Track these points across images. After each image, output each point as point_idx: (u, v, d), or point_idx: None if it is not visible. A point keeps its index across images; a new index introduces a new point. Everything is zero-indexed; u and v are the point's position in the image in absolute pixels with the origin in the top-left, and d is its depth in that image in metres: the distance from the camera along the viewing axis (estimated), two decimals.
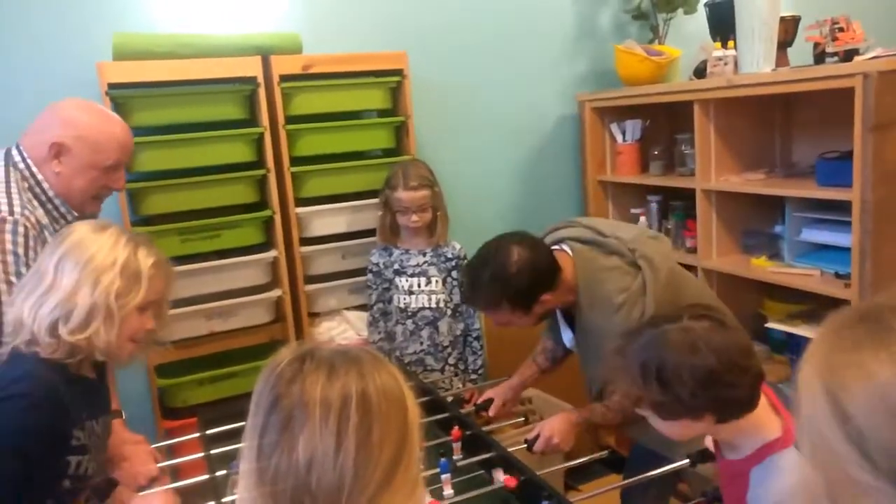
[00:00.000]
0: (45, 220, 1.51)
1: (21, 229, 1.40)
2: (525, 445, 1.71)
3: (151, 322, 1.32)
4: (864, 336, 0.60)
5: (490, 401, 1.94)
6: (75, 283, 1.19)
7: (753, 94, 2.07)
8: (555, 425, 1.71)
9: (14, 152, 1.53)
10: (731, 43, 2.24)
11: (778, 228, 2.24)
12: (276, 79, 2.12)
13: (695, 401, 1.08)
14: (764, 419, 1.16)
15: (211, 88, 2.10)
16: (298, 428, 0.66)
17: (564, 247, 1.75)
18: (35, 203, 1.50)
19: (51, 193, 1.53)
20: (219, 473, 1.54)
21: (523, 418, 2.11)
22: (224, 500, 1.46)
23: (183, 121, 2.07)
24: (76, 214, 1.57)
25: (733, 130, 2.29)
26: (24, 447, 1.14)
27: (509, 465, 1.52)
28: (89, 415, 1.28)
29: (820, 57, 2.09)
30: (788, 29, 2.28)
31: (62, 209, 1.55)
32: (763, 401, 1.16)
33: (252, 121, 2.18)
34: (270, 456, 0.67)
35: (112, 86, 1.96)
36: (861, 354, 0.59)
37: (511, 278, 1.62)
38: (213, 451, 1.64)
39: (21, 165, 1.51)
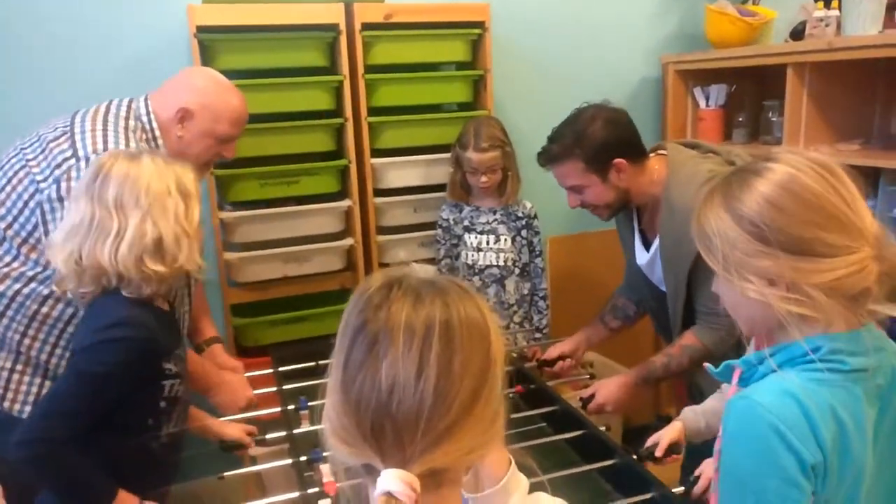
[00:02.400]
0: None
1: None
2: (581, 403, 1.71)
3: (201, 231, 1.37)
4: (742, 176, 0.94)
5: (553, 361, 1.94)
6: (142, 217, 1.23)
7: (856, 57, 1.95)
8: (610, 390, 1.70)
9: (141, 105, 1.61)
10: (834, 3, 2.11)
11: (869, 203, 2.11)
12: (357, 27, 2.13)
13: None
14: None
15: (294, 35, 2.12)
16: (383, 352, 0.67)
17: (662, 150, 1.77)
18: None
19: (163, 149, 1.59)
20: (290, 407, 1.61)
21: (588, 377, 2.10)
22: (295, 431, 1.52)
23: (266, 66, 2.10)
24: None
25: (829, 98, 2.17)
26: (127, 378, 1.23)
27: (571, 419, 1.53)
28: (174, 344, 1.36)
29: None
30: None
31: None
32: None
33: (332, 69, 2.20)
34: (355, 377, 0.68)
35: (200, 29, 2.00)
36: (746, 182, 0.93)
37: (585, 129, 1.67)
38: (285, 387, 1.71)
39: (144, 118, 1.60)
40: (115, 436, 1.25)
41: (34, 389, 1.50)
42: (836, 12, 2.11)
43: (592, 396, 1.68)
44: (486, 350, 0.71)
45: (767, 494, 0.86)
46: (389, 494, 0.64)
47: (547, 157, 1.76)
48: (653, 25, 2.76)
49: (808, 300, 0.88)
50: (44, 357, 1.50)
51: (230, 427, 1.55)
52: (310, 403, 1.61)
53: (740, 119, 2.54)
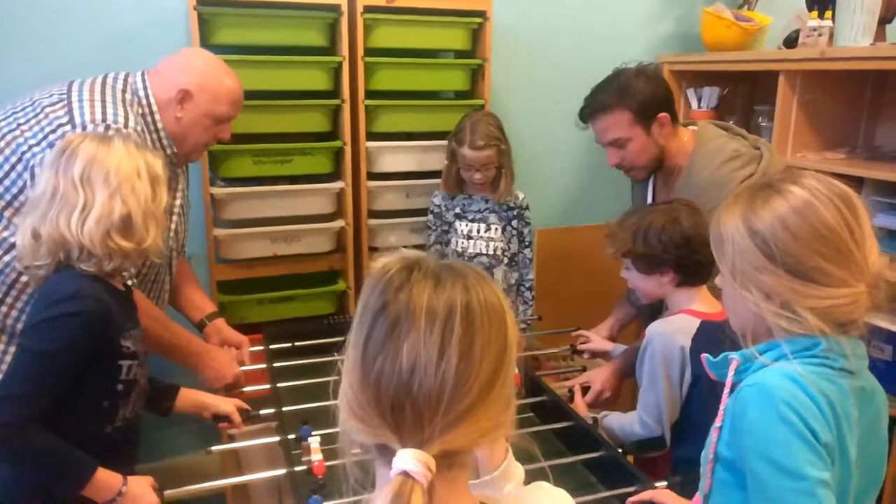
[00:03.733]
0: (147, 142, 1.58)
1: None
2: (568, 395, 1.73)
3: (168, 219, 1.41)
4: (765, 193, 0.99)
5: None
6: (110, 195, 1.23)
7: (847, 68, 1.99)
8: (606, 377, 1.73)
9: (138, 80, 1.61)
10: (828, 14, 2.15)
11: None
12: (359, 9, 2.11)
13: (666, 256, 1.49)
14: (703, 299, 1.53)
15: (295, 13, 2.09)
16: (404, 334, 0.68)
17: (693, 125, 1.85)
18: (144, 128, 1.58)
19: (160, 125, 1.61)
20: (280, 385, 1.61)
21: (581, 369, 2.13)
22: (284, 409, 1.53)
23: (265, 43, 2.08)
24: (175, 150, 1.65)
25: (818, 106, 2.22)
26: (83, 353, 1.21)
27: (559, 410, 1.56)
28: (130, 323, 1.34)
29: None
30: (891, 4, 2.18)
31: (166, 142, 1.63)
32: (707, 292, 1.53)
33: (331, 50, 2.18)
34: (375, 357, 0.68)
35: (200, 2, 1.97)
36: (768, 200, 0.98)
37: (631, 83, 1.72)
38: (275, 364, 1.71)
39: (141, 93, 1.60)
40: (69, 419, 1.22)
41: (7, 358, 1.48)
42: (830, 23, 2.15)
43: (586, 387, 1.71)
44: (504, 334, 0.72)
45: (798, 460, 0.90)
46: (406, 474, 0.65)
47: (593, 108, 1.77)
48: (650, 24, 2.79)
49: (799, 319, 0.95)
50: (19, 326, 1.48)
51: (223, 402, 1.55)
52: (314, 433, 1.45)
53: (731, 122, 2.57)
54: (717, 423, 1.02)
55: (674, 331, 1.47)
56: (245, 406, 1.55)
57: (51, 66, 2.05)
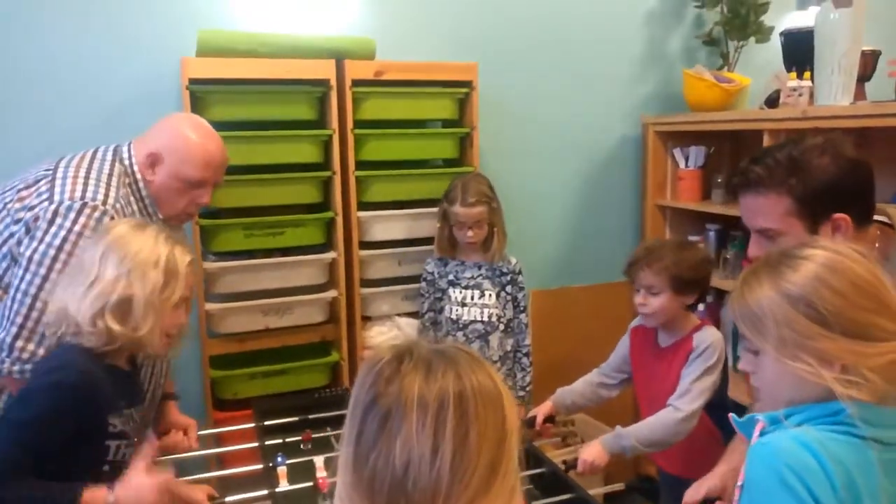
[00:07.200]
0: (137, 216, 1.57)
1: (105, 219, 1.45)
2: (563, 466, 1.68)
3: (185, 316, 1.38)
4: (788, 261, 0.95)
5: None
6: (118, 276, 1.24)
7: (829, 126, 2.02)
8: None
9: (124, 150, 1.63)
10: (806, 74, 2.21)
11: None
12: (348, 83, 2.16)
13: (702, 280, 1.74)
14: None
15: (285, 89, 2.14)
16: (396, 428, 0.65)
17: (883, 219, 1.35)
18: (131, 199, 1.58)
19: (145, 192, 1.61)
20: (273, 465, 1.56)
21: (561, 439, 2.09)
22: (277, 489, 1.48)
23: (256, 118, 2.12)
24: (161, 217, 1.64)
25: None
26: (62, 427, 1.19)
27: (562, 483, 1.51)
28: (127, 403, 1.32)
29: None
30: (868, 63, 2.24)
31: (151, 210, 1.62)
32: None
33: (321, 123, 2.22)
34: (368, 454, 0.66)
35: (193, 81, 2.01)
36: (794, 266, 0.94)
37: (809, 159, 1.22)
38: (267, 443, 1.66)
39: (126, 163, 1.60)
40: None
41: None
42: (809, 83, 2.20)
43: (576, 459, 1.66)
44: (502, 421, 0.69)
45: None
46: None
47: (744, 181, 1.29)
48: (632, 85, 2.85)
49: (865, 382, 0.89)
50: None
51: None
52: (288, 461, 1.55)
53: (718, 180, 2.60)
54: (739, 481, 0.98)
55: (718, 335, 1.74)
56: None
57: (44, 143, 2.08)
